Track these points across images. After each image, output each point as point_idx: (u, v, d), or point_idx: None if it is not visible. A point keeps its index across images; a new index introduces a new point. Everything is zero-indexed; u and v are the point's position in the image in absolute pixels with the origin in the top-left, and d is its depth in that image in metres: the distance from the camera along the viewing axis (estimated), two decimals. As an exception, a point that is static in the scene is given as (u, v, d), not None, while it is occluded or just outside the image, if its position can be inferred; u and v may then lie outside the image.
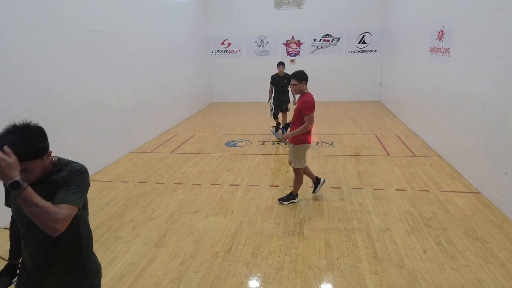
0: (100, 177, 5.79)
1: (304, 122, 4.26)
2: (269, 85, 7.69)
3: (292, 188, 4.75)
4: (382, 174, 5.57)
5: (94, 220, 4.36)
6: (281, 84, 7.49)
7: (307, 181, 5.38)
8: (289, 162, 4.68)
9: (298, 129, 4.26)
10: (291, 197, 4.68)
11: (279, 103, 7.58)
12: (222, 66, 12.59)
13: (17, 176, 1.46)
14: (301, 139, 4.36)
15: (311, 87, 13.64)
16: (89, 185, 1.96)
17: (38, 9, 4.76)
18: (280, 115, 7.85)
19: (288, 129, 4.56)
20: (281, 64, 7.45)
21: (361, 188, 5.07)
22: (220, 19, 12.12)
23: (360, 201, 4.68)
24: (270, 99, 7.69)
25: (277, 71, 7.51)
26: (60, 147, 5.16)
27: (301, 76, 4.27)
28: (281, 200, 4.67)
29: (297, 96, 4.55)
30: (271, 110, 7.66)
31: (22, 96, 4.52)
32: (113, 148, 6.56)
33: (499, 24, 4.37)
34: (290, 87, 7.34)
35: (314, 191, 4.81)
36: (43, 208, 1.49)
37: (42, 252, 1.79)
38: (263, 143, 7.47)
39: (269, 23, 11.90)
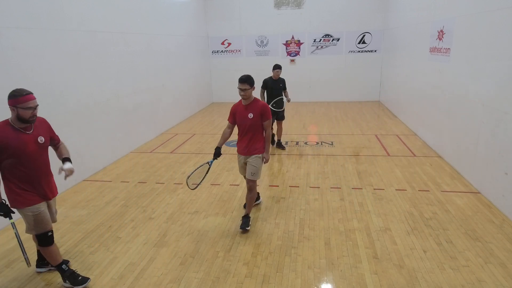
0: (100, 177, 5.78)
1: (261, 129, 3.97)
2: (259, 89, 6.72)
3: (246, 209, 4.19)
4: (382, 174, 5.56)
5: (94, 220, 4.35)
6: (276, 89, 6.70)
7: (307, 182, 5.38)
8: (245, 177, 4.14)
9: (268, 141, 4.03)
10: (247, 219, 4.08)
11: (274, 111, 6.67)
12: (222, 66, 12.59)
13: None
14: (263, 146, 4.04)
15: (311, 87, 13.59)
16: None
17: (38, 9, 4.76)
18: (274, 125, 6.97)
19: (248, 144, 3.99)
20: (278, 67, 6.65)
21: (361, 188, 5.07)
22: (220, 19, 12.12)
23: (360, 201, 4.68)
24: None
25: (268, 74, 6.80)
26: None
27: (252, 81, 3.82)
28: (244, 227, 4.01)
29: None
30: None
31: (22, 96, 4.51)
32: (113, 148, 6.56)
33: (499, 24, 4.37)
34: (283, 93, 6.75)
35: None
36: None
37: None
38: (263, 143, 7.46)
39: (269, 23, 11.90)
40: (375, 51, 11.69)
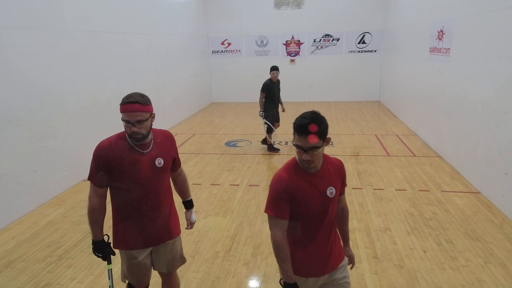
0: (100, 177, 5.78)
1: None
2: (259, 93, 6.43)
3: None
4: (382, 174, 5.56)
5: (94, 220, 4.35)
6: (276, 92, 6.59)
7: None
8: None
9: (347, 224, 2.31)
10: None
11: (274, 115, 6.60)
12: (222, 66, 12.60)
13: None
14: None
15: (311, 87, 13.56)
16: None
17: (38, 9, 4.76)
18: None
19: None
20: (276, 69, 6.47)
21: (361, 188, 5.07)
22: (220, 19, 12.12)
23: (360, 201, 4.68)
24: (262, 111, 6.47)
25: (268, 75, 6.56)
26: (60, 147, 5.18)
27: (326, 127, 1.82)
28: None
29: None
30: (267, 126, 6.50)
31: (22, 96, 4.52)
32: (113, 148, 6.56)
33: (499, 24, 4.37)
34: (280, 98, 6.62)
35: None
36: None
37: None
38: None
39: (269, 23, 11.90)
40: (375, 51, 11.69)
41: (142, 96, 2.12)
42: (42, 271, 3.43)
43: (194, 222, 2.63)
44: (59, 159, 5.15)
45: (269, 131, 6.65)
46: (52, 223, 4.35)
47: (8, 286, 3.23)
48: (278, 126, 6.97)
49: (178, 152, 2.47)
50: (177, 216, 2.45)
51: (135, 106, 2.05)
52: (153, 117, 2.15)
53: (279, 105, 6.84)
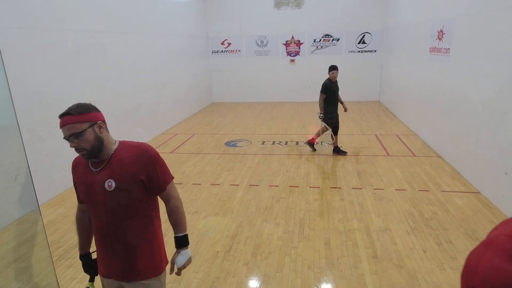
0: (100, 177, 5.78)
1: None
2: (318, 94, 6.26)
3: None
4: (382, 174, 5.57)
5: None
6: (336, 92, 6.33)
7: (307, 182, 5.38)
8: None
9: None
10: None
11: (333, 117, 6.35)
12: (222, 66, 12.60)
13: None
14: None
15: (311, 87, 13.52)
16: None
17: (38, 9, 4.76)
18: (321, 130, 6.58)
19: None
20: (335, 68, 6.20)
21: (361, 188, 5.07)
22: (220, 19, 12.12)
23: (360, 201, 4.68)
24: (322, 113, 6.28)
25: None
26: (60, 147, 5.17)
27: None
28: None
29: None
30: (331, 127, 6.33)
31: (22, 96, 4.52)
32: (113, 148, 6.56)
33: (499, 24, 4.37)
34: (339, 98, 6.44)
35: None
36: None
37: None
38: (263, 143, 7.48)
39: (269, 23, 11.90)
40: (375, 51, 11.69)
41: (78, 106, 1.75)
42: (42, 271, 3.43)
43: (181, 267, 2.02)
44: (59, 159, 5.15)
45: (335, 132, 6.44)
46: (52, 223, 4.35)
47: (9, 287, 3.23)
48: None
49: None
50: (156, 255, 2.05)
51: (65, 118, 1.72)
52: (100, 127, 1.79)
53: (340, 105, 6.59)
